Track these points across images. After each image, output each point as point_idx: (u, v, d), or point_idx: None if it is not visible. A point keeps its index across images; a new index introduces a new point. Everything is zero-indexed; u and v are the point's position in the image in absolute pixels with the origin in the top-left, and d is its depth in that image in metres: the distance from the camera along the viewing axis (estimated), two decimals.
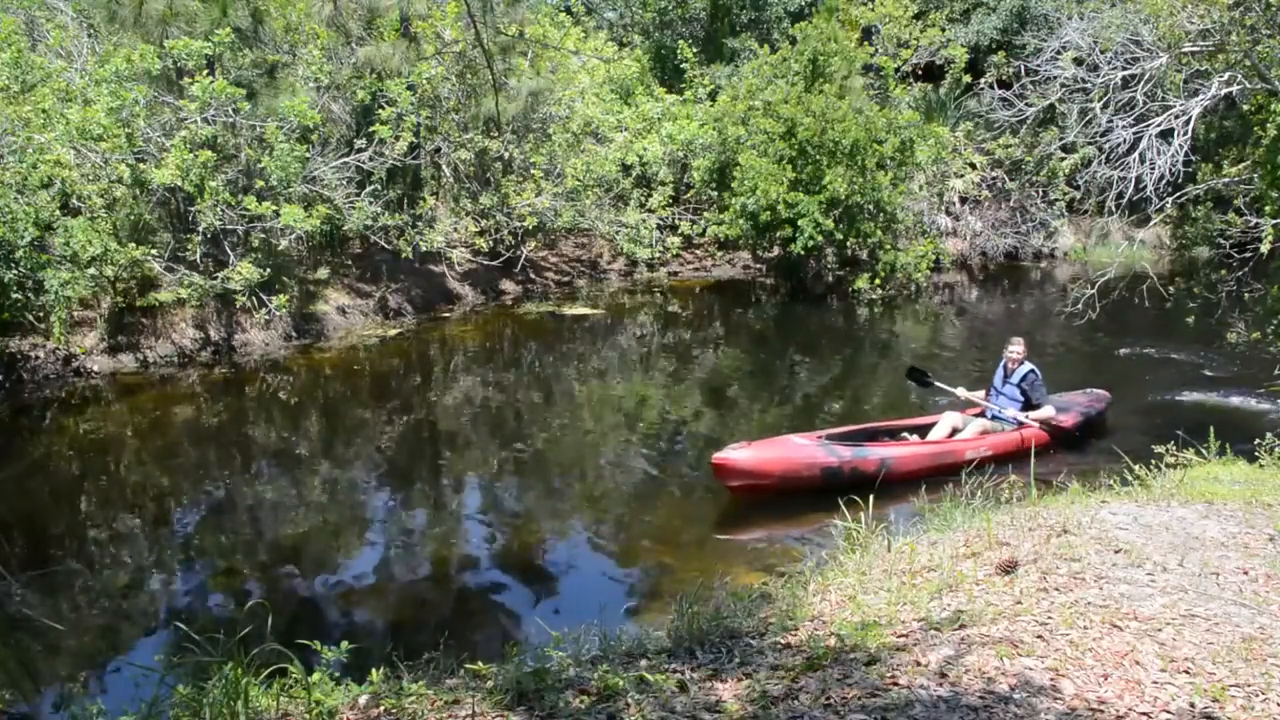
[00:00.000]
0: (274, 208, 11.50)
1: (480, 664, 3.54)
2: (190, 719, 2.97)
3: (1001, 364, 8.39)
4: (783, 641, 3.74)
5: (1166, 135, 10.24)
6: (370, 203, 13.24)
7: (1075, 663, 3.35)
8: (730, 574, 5.96)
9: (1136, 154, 10.30)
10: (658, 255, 17.99)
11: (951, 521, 5.43)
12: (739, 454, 6.87)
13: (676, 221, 18.12)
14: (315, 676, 3.24)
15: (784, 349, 13.48)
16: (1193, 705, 3.07)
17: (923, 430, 8.14)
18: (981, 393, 8.47)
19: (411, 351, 12.80)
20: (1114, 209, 10.94)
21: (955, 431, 8.02)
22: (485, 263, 16.04)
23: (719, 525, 6.94)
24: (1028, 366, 8.18)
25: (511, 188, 15.78)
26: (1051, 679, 3.24)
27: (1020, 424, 8.10)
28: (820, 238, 15.06)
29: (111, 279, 10.73)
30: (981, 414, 8.31)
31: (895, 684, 3.21)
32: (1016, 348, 8.20)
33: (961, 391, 8.37)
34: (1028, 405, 8.14)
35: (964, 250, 19.69)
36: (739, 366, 12.56)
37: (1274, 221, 8.45)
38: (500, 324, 14.55)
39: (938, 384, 8.80)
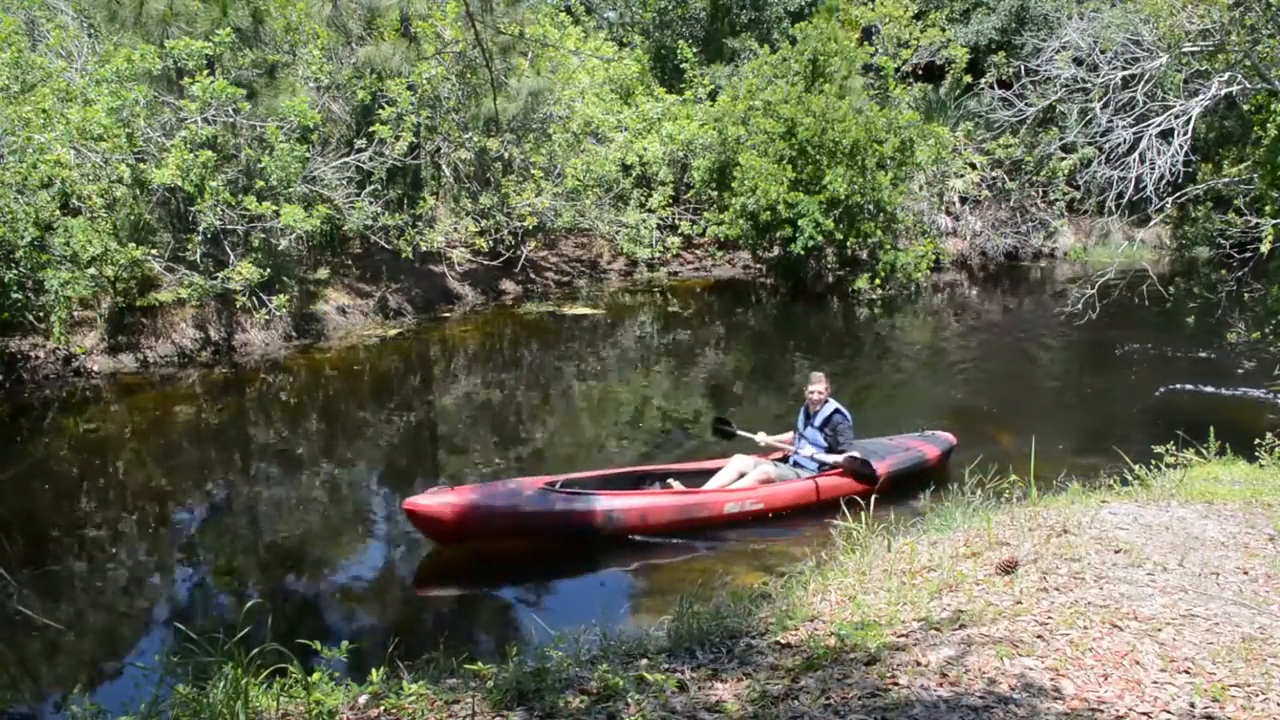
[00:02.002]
0: (274, 208, 11.50)
1: (480, 664, 3.53)
2: (190, 719, 2.97)
3: (804, 405, 7.43)
4: (782, 641, 3.74)
5: (1166, 135, 10.24)
6: (370, 203, 13.24)
7: (1075, 663, 3.35)
8: (730, 574, 5.96)
9: (1136, 154, 10.31)
10: (658, 255, 18.00)
11: (951, 521, 5.43)
12: (434, 500, 6.01)
13: (676, 221, 18.13)
14: (315, 676, 3.24)
15: (784, 349, 13.49)
16: (1193, 705, 3.07)
17: (709, 475, 7.08)
18: (787, 435, 7.54)
19: (411, 351, 12.80)
20: (1114, 209, 10.94)
21: (742, 478, 7.00)
22: (485, 263, 16.05)
23: (718, 524, 6.93)
24: (832, 406, 7.22)
25: (511, 188, 15.78)
26: (1051, 679, 3.23)
27: (820, 470, 7.12)
28: (820, 238, 15.06)
29: (111, 279, 10.73)
30: (785, 458, 7.34)
31: (895, 684, 3.21)
32: (817, 386, 7.20)
33: (762, 436, 7.44)
34: (831, 450, 7.16)
35: (964, 250, 19.70)
36: (739, 366, 12.56)
37: (1274, 221, 8.45)
38: (500, 324, 14.55)
39: (740, 432, 7.71)
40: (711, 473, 7.06)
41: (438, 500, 6.01)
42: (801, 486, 6.97)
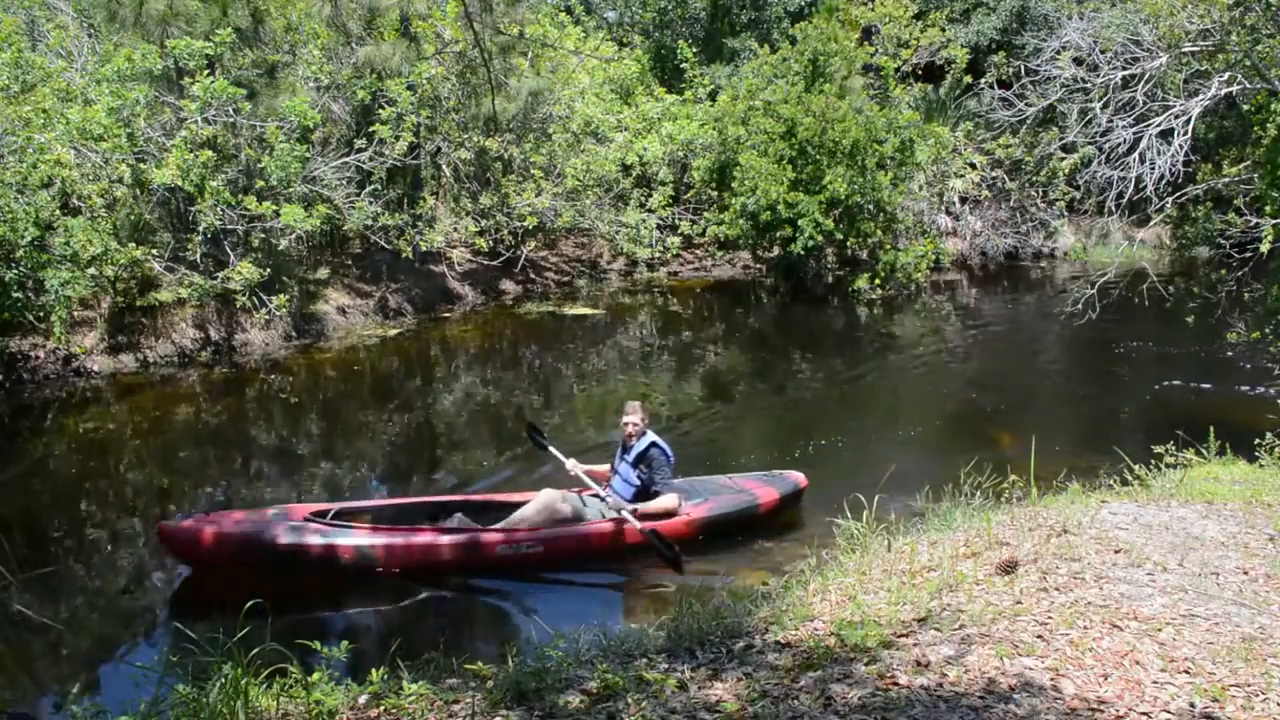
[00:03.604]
0: (274, 208, 11.50)
1: (480, 664, 3.54)
2: (190, 719, 2.97)
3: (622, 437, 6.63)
4: (782, 641, 3.74)
5: (1166, 135, 10.25)
6: (370, 203, 13.24)
7: (1075, 663, 3.35)
8: (730, 574, 5.96)
9: (1136, 154, 10.31)
10: (658, 255, 17.99)
11: (951, 521, 5.42)
12: (187, 525, 5.79)
13: (676, 221, 18.12)
14: (315, 676, 3.24)
15: (784, 349, 13.49)
16: (1193, 705, 3.07)
17: (517, 509, 6.42)
18: (605, 467, 6.81)
19: (411, 351, 12.80)
20: (1114, 209, 10.95)
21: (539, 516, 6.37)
22: (485, 263, 16.05)
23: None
24: (649, 439, 6.41)
25: (511, 188, 15.78)
26: (1051, 679, 3.24)
27: (621, 516, 6.25)
28: (820, 238, 15.06)
29: (111, 279, 10.73)
30: (601, 495, 6.57)
31: (895, 684, 3.21)
32: (632, 417, 6.42)
33: (572, 464, 6.66)
34: (645, 490, 6.38)
35: (964, 250, 19.69)
36: (739, 367, 12.56)
37: (1274, 221, 8.45)
38: (500, 324, 14.55)
39: (551, 449, 7.06)
40: (520, 505, 6.41)
41: (191, 526, 5.76)
42: (596, 530, 6.20)
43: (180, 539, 5.75)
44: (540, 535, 6.07)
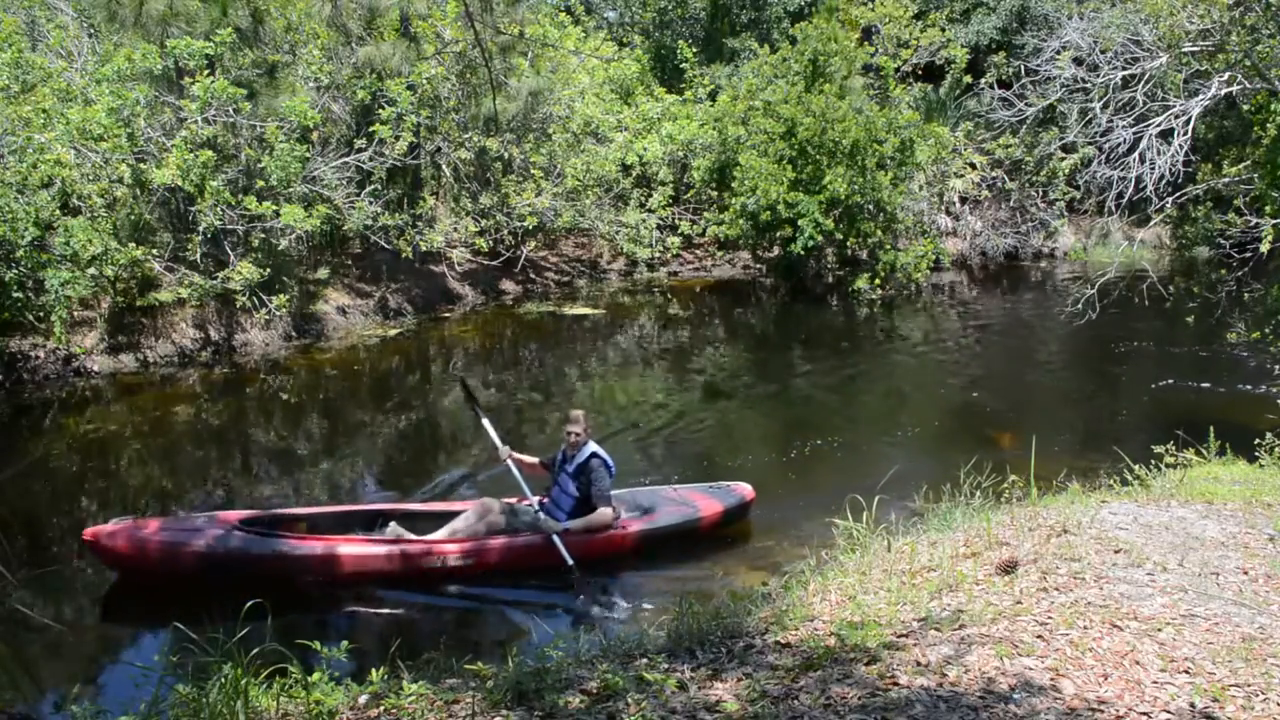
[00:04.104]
0: (274, 208, 11.50)
1: (480, 664, 3.54)
2: (190, 719, 2.97)
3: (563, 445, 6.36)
4: (782, 641, 3.74)
5: (1166, 135, 10.25)
6: (370, 203, 13.24)
7: (1075, 663, 3.35)
8: (730, 574, 5.96)
9: (1136, 154, 10.31)
10: (658, 255, 18.00)
11: (951, 521, 5.43)
12: (112, 531, 5.61)
13: (676, 221, 18.13)
14: (315, 676, 3.24)
15: (784, 349, 13.49)
16: (1193, 705, 3.07)
17: (450, 518, 6.23)
18: (536, 460, 6.50)
19: (412, 351, 12.81)
20: (1114, 209, 10.96)
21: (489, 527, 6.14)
22: (485, 263, 16.05)
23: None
24: (590, 449, 6.13)
25: (511, 188, 15.79)
26: (1051, 679, 3.24)
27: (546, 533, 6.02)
28: (820, 238, 15.07)
29: (111, 279, 10.73)
30: (541, 502, 6.28)
31: (895, 684, 3.21)
32: (574, 427, 6.17)
33: (505, 450, 6.38)
34: (585, 501, 6.11)
35: (964, 250, 19.69)
36: (739, 367, 12.55)
37: (1274, 221, 8.45)
38: (500, 324, 14.55)
39: (485, 422, 6.63)
40: (454, 514, 6.22)
41: (115, 531, 5.58)
42: (529, 543, 5.97)
43: (105, 545, 5.56)
44: (471, 547, 5.88)
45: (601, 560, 6.06)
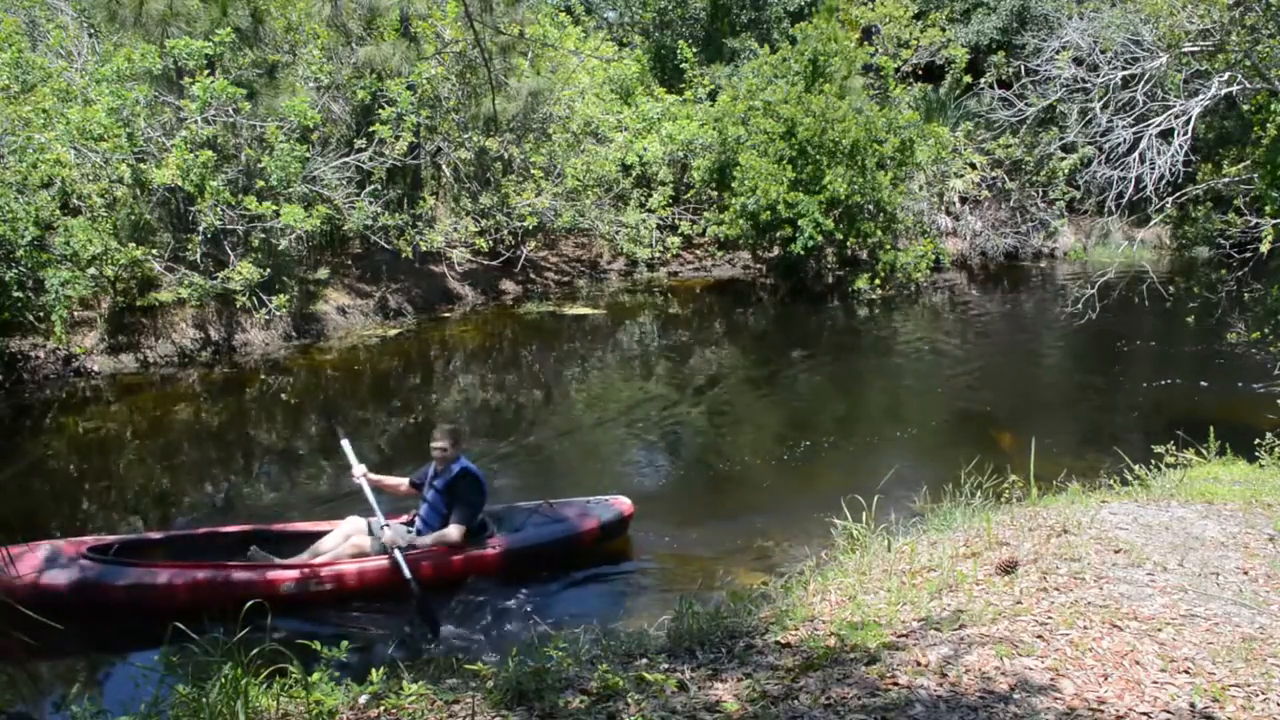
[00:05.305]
0: (274, 208, 11.50)
1: (480, 664, 3.54)
2: (190, 719, 2.97)
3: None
4: (782, 641, 3.74)
5: (1166, 135, 10.25)
6: (370, 203, 13.24)
7: (1075, 663, 3.35)
8: (730, 574, 5.96)
9: (1136, 154, 10.31)
10: (658, 255, 17.99)
11: (951, 521, 5.43)
12: None
13: (676, 221, 18.12)
14: (315, 676, 3.24)
15: (784, 349, 13.48)
16: (1193, 705, 3.07)
17: (316, 539, 5.98)
18: (400, 481, 6.20)
19: (411, 351, 12.80)
20: (1114, 209, 10.95)
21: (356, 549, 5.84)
22: (485, 263, 16.04)
23: (718, 524, 6.93)
24: (460, 466, 5.88)
25: (511, 188, 15.78)
26: (1051, 679, 3.24)
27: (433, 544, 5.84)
28: (820, 238, 15.06)
29: (111, 279, 10.74)
30: (412, 521, 6.08)
31: (895, 684, 3.21)
32: (439, 443, 5.88)
33: (360, 470, 5.99)
34: (449, 520, 5.87)
35: (964, 250, 19.69)
36: (739, 367, 12.55)
37: (1274, 221, 8.45)
38: (500, 324, 14.55)
39: (344, 443, 6.20)
40: (324, 535, 5.94)
41: None
42: (394, 564, 5.62)
43: None
44: (333, 571, 5.58)
45: (466, 580, 5.82)
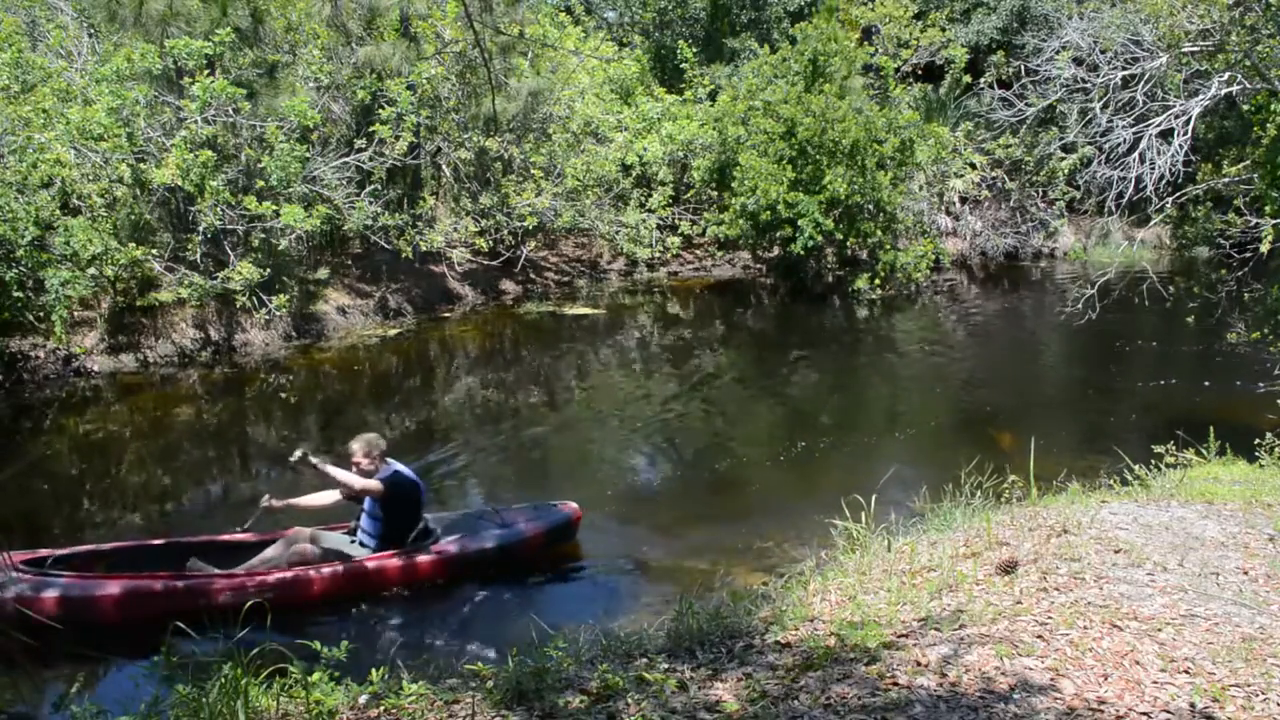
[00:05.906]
0: (274, 208, 11.50)
1: (480, 664, 3.54)
2: (190, 719, 2.97)
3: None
4: (782, 641, 3.74)
5: (1166, 135, 10.25)
6: (370, 203, 13.24)
7: (1075, 663, 3.35)
8: (730, 574, 5.96)
9: (1136, 154, 10.31)
10: (658, 255, 17.99)
11: (951, 521, 5.43)
12: None
13: (676, 221, 18.12)
14: (315, 676, 3.24)
15: (784, 349, 13.48)
16: (1193, 705, 3.07)
17: (259, 549, 5.89)
18: (353, 480, 5.79)
19: (411, 351, 12.80)
20: (1114, 209, 10.96)
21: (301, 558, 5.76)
22: (485, 263, 16.04)
23: (718, 525, 6.93)
24: (389, 470, 5.81)
25: (511, 188, 15.78)
26: (1051, 679, 3.23)
27: (377, 550, 5.84)
28: (820, 238, 15.06)
29: (111, 279, 10.74)
30: (353, 530, 6.04)
31: (895, 684, 3.21)
32: (356, 458, 5.77)
33: (319, 460, 5.72)
34: (391, 525, 5.86)
35: (964, 250, 19.70)
36: (739, 367, 12.55)
37: (1274, 221, 8.45)
38: (500, 324, 14.55)
39: (311, 460, 5.73)
40: (265, 544, 5.90)
41: None
42: (340, 572, 5.65)
43: None
44: (273, 581, 5.48)
45: (409, 586, 5.78)
